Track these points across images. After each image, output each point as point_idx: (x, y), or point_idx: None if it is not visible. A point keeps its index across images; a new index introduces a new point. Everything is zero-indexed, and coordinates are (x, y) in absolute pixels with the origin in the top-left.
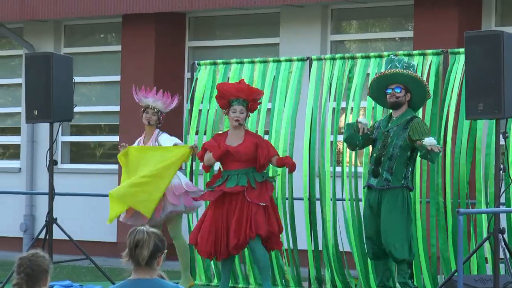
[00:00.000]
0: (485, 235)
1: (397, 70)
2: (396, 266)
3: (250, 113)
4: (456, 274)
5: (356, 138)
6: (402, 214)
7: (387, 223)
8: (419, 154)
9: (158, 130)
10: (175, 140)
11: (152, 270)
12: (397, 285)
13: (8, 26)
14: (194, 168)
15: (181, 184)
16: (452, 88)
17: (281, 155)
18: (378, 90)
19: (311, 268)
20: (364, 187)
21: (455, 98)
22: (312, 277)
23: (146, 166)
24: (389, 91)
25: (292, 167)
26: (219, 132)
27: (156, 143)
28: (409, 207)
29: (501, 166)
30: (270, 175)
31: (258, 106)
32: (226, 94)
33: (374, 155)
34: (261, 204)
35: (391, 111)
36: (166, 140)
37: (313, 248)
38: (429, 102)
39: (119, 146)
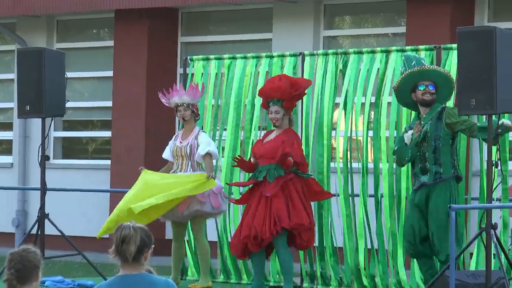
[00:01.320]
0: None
1: (432, 67)
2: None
3: (290, 109)
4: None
5: (406, 152)
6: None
7: (434, 225)
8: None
9: (199, 128)
10: (211, 145)
11: (139, 265)
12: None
13: (0, 21)
14: None
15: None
16: None
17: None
18: (405, 87)
19: (303, 264)
20: (414, 190)
21: None
22: (304, 272)
23: (164, 187)
24: (421, 87)
25: (285, 167)
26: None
27: (196, 141)
28: (457, 200)
29: (494, 162)
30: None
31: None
32: (263, 95)
33: (418, 154)
34: (266, 195)
35: (414, 113)
36: (204, 142)
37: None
38: None
39: (139, 169)
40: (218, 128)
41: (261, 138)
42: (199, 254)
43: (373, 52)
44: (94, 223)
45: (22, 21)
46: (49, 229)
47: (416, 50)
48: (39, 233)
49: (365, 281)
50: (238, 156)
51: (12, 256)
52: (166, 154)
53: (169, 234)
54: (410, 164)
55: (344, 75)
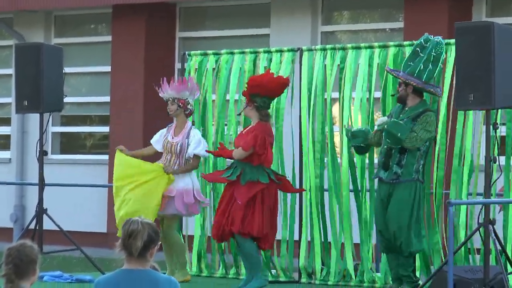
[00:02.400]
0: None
1: (394, 74)
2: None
3: (255, 103)
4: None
5: (364, 148)
6: (413, 208)
7: (394, 218)
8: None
9: (191, 124)
10: (200, 145)
11: (145, 261)
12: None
13: None
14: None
15: (192, 191)
16: (444, 79)
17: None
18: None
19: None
20: (373, 178)
21: (447, 88)
22: (302, 267)
23: (129, 178)
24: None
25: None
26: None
27: (187, 140)
28: (421, 201)
29: (492, 157)
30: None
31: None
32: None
33: (385, 146)
34: (237, 201)
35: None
36: (194, 142)
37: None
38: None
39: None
40: (213, 123)
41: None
42: (173, 249)
43: (371, 47)
44: (92, 218)
45: (19, 16)
46: (47, 224)
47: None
48: (37, 228)
49: (367, 275)
50: (219, 143)
51: (10, 251)
52: (154, 140)
53: None
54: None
55: (342, 70)
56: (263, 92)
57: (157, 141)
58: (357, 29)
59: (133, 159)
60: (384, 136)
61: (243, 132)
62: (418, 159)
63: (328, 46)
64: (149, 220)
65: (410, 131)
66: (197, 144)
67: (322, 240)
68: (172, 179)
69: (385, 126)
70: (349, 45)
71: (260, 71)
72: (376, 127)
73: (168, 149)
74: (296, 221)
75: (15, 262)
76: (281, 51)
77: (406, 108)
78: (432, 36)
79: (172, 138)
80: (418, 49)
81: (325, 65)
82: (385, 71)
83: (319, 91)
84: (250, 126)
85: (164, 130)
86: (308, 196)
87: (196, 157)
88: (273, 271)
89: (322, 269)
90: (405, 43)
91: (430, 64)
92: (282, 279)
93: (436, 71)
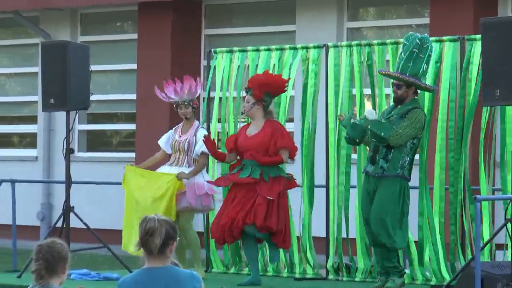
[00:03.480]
0: None
1: (394, 74)
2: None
3: (264, 102)
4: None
5: (356, 143)
6: (396, 203)
7: (377, 212)
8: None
9: (198, 123)
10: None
11: (165, 258)
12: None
13: (24, 14)
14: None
15: (203, 185)
16: (471, 75)
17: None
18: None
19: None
20: (362, 172)
21: (473, 84)
22: (330, 264)
23: (142, 192)
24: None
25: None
26: (242, 121)
27: (194, 137)
28: (405, 197)
29: None
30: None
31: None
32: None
33: (373, 140)
34: (268, 198)
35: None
36: (201, 140)
37: (335, 236)
38: (446, 90)
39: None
40: (239, 120)
41: (238, 131)
42: (189, 246)
43: (396, 43)
44: (119, 215)
45: (45, 14)
46: (74, 222)
47: (440, 41)
48: (64, 226)
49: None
50: (207, 136)
51: (41, 248)
52: (162, 142)
53: None
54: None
55: (369, 66)
56: (273, 91)
57: (166, 143)
58: (383, 25)
59: (144, 171)
60: (369, 135)
61: (256, 133)
62: (404, 155)
63: (353, 43)
64: (166, 217)
65: (393, 129)
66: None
67: (348, 236)
68: (182, 187)
69: (368, 125)
70: (375, 41)
71: (285, 68)
72: (364, 116)
73: (176, 148)
74: (323, 218)
75: (46, 257)
76: (307, 47)
77: (399, 106)
78: (419, 34)
79: (180, 136)
80: (415, 50)
81: (352, 61)
82: (379, 73)
83: (345, 87)
84: (256, 126)
85: (171, 132)
86: (334, 193)
87: (204, 154)
88: (302, 268)
89: (349, 266)
90: (432, 38)
91: (427, 64)
92: (309, 275)
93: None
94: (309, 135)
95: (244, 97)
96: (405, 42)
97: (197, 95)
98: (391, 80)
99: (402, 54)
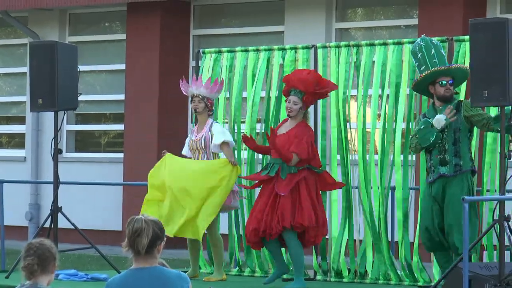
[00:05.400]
0: None
1: (456, 66)
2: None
3: (308, 105)
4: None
5: (431, 133)
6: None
7: (452, 216)
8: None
9: (212, 120)
10: (226, 134)
11: (152, 258)
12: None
13: (13, 15)
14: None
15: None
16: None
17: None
18: (424, 82)
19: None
20: (430, 182)
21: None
22: (316, 265)
23: (185, 180)
24: (443, 83)
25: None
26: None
27: (210, 132)
28: (473, 193)
29: (506, 153)
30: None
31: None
32: (288, 81)
33: (437, 145)
34: (280, 193)
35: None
36: (218, 132)
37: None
38: None
39: (162, 153)
40: (226, 121)
41: (274, 127)
42: (212, 247)
43: (385, 44)
44: (107, 216)
45: (34, 14)
46: (62, 223)
47: None
48: (52, 226)
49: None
50: (245, 135)
51: (31, 245)
52: (185, 151)
53: None
54: (425, 156)
55: (359, 67)
56: (322, 98)
57: (186, 149)
58: (372, 26)
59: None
60: (496, 124)
61: (285, 132)
62: (470, 148)
63: (342, 43)
64: (153, 217)
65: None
66: (221, 133)
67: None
68: (239, 170)
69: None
70: (363, 42)
71: (275, 68)
72: (443, 125)
73: (194, 147)
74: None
75: (39, 253)
76: (295, 48)
77: (440, 107)
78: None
79: (195, 136)
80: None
81: (339, 62)
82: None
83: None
84: (289, 125)
85: (189, 136)
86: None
87: (225, 143)
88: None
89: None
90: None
91: None
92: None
93: None
94: None
95: (287, 96)
96: (434, 41)
97: (216, 95)
98: (441, 81)
99: (442, 51)
